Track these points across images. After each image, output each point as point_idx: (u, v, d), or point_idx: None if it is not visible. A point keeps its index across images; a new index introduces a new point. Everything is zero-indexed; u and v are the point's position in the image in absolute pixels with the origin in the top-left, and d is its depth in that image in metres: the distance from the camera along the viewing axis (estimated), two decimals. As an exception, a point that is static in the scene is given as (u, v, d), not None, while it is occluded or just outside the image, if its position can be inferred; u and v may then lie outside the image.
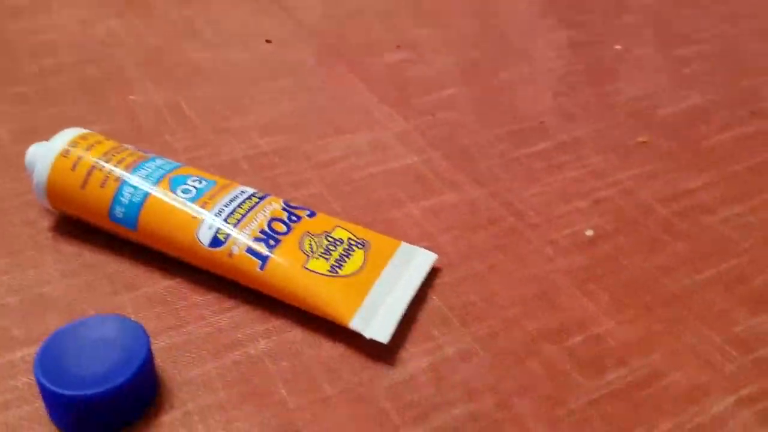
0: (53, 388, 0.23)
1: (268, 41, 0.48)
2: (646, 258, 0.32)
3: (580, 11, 0.54)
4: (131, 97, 0.41)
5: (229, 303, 0.29)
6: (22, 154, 0.36)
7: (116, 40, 0.47)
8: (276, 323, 0.28)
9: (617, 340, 0.28)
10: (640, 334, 0.28)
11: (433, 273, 0.31)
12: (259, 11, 0.52)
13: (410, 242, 0.31)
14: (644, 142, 0.39)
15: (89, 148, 0.30)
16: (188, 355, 0.27)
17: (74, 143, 0.30)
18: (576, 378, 0.27)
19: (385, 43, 0.48)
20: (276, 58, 0.46)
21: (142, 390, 0.24)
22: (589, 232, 0.33)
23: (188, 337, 0.27)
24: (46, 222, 0.32)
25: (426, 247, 0.32)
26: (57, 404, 0.23)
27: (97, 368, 0.23)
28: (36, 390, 0.25)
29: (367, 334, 0.27)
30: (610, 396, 0.26)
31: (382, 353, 0.27)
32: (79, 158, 0.30)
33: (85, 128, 0.32)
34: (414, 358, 0.27)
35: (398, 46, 0.48)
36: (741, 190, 0.36)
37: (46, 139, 0.31)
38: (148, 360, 0.24)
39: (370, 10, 0.52)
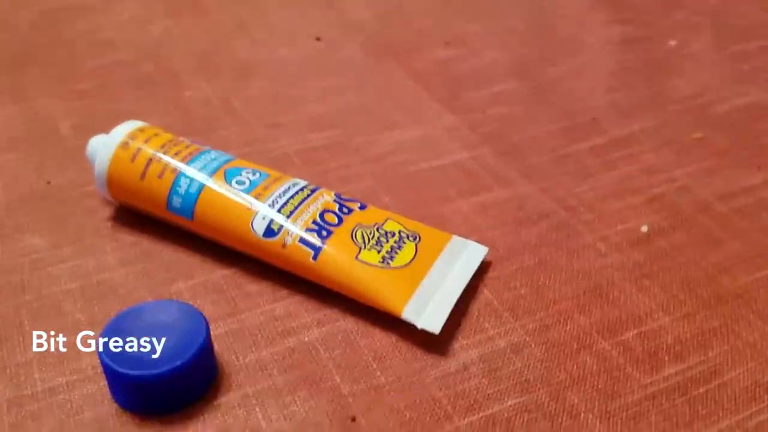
0: (116, 368, 0.23)
1: (317, 39, 0.48)
2: (704, 255, 0.31)
3: (632, 6, 0.53)
4: (186, 93, 0.42)
5: (282, 292, 0.29)
6: (83, 147, 0.37)
7: (170, 39, 0.48)
8: (328, 312, 0.29)
9: (673, 336, 0.28)
10: (698, 331, 0.28)
11: (484, 267, 0.31)
12: (308, 8, 0.52)
13: (460, 236, 0.31)
14: (701, 138, 0.39)
15: (147, 140, 0.31)
16: (244, 341, 0.27)
17: (133, 136, 0.31)
18: (631, 372, 0.26)
19: (433, 38, 0.48)
20: (325, 54, 0.47)
21: (201, 372, 0.25)
22: (645, 228, 0.32)
23: (244, 324, 0.28)
24: (106, 212, 0.33)
25: (476, 241, 0.31)
26: (119, 384, 0.24)
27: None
28: (99, 370, 0.26)
29: (419, 325, 0.27)
30: (666, 391, 0.26)
31: (434, 344, 0.27)
32: (138, 150, 0.31)
33: (142, 122, 0.33)
34: (465, 350, 0.27)
35: (447, 42, 0.48)
36: (802, 187, 0.35)
37: (106, 133, 0.32)
38: (207, 343, 0.25)
39: (418, 6, 0.53)
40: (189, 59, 0.46)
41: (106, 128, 0.32)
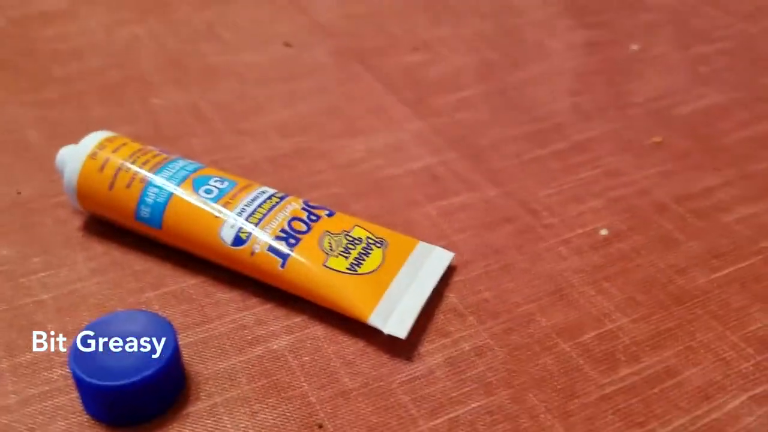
0: (86, 378, 0.24)
1: (287, 44, 0.49)
2: (661, 257, 0.32)
3: (597, 11, 0.54)
4: (154, 100, 0.42)
5: (252, 300, 0.30)
6: (52, 157, 0.37)
7: (138, 45, 0.48)
8: (297, 320, 0.29)
9: (630, 337, 0.29)
10: (654, 332, 0.29)
11: (450, 271, 0.31)
12: (277, 13, 0.53)
13: (428, 242, 0.32)
14: (659, 142, 0.40)
15: (116, 150, 0.31)
16: (213, 350, 0.28)
17: (102, 146, 0.31)
18: (589, 373, 0.27)
19: (401, 43, 0.49)
20: (293, 59, 0.47)
21: (171, 382, 0.25)
22: (604, 232, 0.33)
23: (213, 333, 0.28)
24: (76, 222, 0.33)
25: (443, 246, 0.32)
26: (91, 394, 0.24)
27: (128, 360, 0.24)
28: (70, 381, 0.26)
29: (386, 330, 0.28)
30: (623, 391, 0.27)
31: (400, 349, 0.28)
32: (107, 160, 0.31)
33: (110, 131, 0.33)
34: (431, 354, 0.28)
35: (415, 48, 0.48)
36: (759, 189, 0.36)
37: (75, 143, 0.32)
38: (176, 352, 0.25)
39: (386, 11, 0.53)
40: (157, 65, 0.46)
41: (75, 137, 0.33)
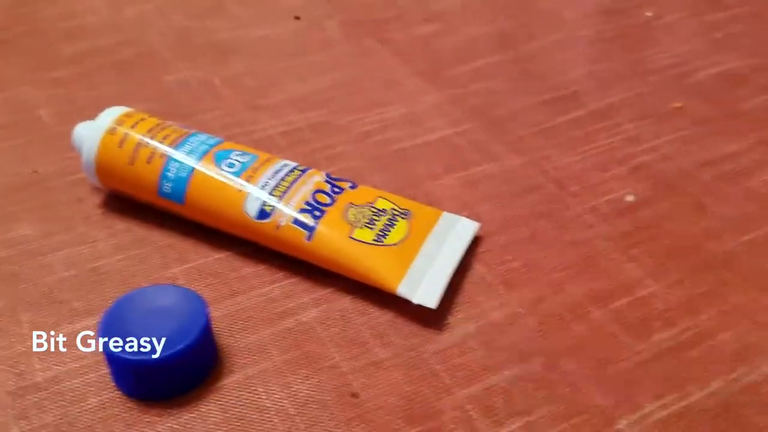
0: (119, 354, 0.23)
1: (297, 17, 0.48)
2: (689, 222, 0.32)
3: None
4: (166, 77, 0.42)
5: (278, 274, 0.30)
6: (66, 135, 0.37)
7: (146, 21, 0.47)
8: (324, 292, 0.29)
9: (663, 302, 0.28)
10: (687, 296, 0.29)
11: (475, 241, 0.31)
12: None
13: (451, 213, 0.32)
14: (679, 107, 0.39)
15: (134, 125, 0.31)
16: (242, 323, 0.28)
17: (120, 121, 0.31)
18: (624, 339, 0.27)
19: (412, 14, 0.48)
20: (304, 33, 0.46)
21: (203, 355, 0.25)
22: (630, 198, 0.33)
23: (241, 307, 0.28)
24: (95, 199, 0.33)
25: (466, 217, 0.32)
26: (122, 370, 0.24)
27: (159, 335, 0.24)
28: (99, 358, 0.26)
29: (415, 300, 0.27)
30: (658, 356, 0.26)
31: (430, 319, 0.28)
32: (126, 135, 0.30)
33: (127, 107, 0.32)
34: (461, 324, 0.28)
35: (426, 19, 0.48)
36: (780, 153, 0.36)
37: (90, 119, 0.31)
38: (208, 326, 0.25)
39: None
40: (167, 42, 0.45)
41: (88, 115, 0.32)
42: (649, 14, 0.48)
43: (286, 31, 0.47)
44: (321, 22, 0.48)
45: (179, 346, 0.24)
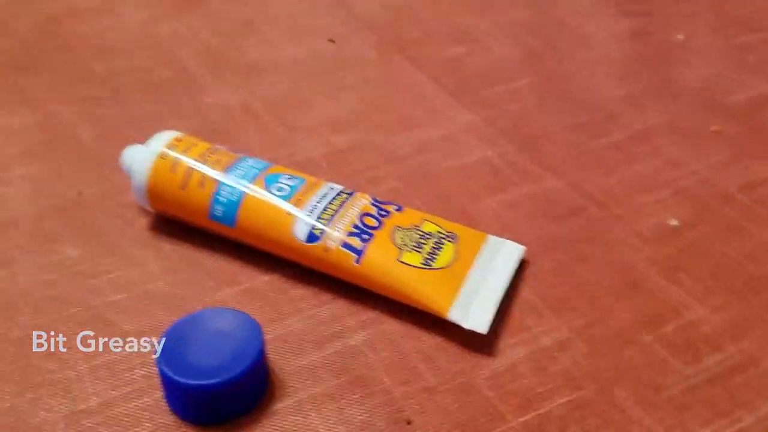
0: (176, 378, 0.24)
1: (331, 41, 0.48)
2: (732, 246, 0.32)
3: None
4: (203, 98, 0.42)
5: (326, 296, 0.30)
6: (106, 156, 0.37)
7: (179, 41, 0.48)
8: (371, 315, 0.29)
9: (711, 326, 0.28)
10: (733, 320, 0.29)
11: (521, 265, 0.31)
12: (314, 5, 0.52)
13: (494, 235, 0.32)
14: (719, 131, 0.39)
15: (186, 150, 0.31)
16: (292, 346, 0.28)
17: (171, 146, 0.31)
18: (673, 364, 0.27)
19: (439, 34, 0.49)
20: (336, 53, 0.47)
21: (258, 379, 0.25)
22: (674, 222, 0.33)
23: (290, 330, 0.28)
24: (142, 221, 0.33)
25: (509, 240, 0.32)
26: (179, 394, 0.24)
27: (216, 359, 0.24)
28: (153, 381, 0.26)
29: (466, 325, 0.28)
30: (708, 381, 0.26)
31: (479, 344, 0.28)
32: (178, 160, 0.31)
33: (177, 131, 0.33)
34: (511, 349, 0.28)
35: (456, 39, 0.48)
36: (820, 177, 0.36)
37: (129, 141, 0.32)
38: (263, 351, 0.25)
39: (420, 2, 0.53)
40: (199, 61, 0.46)
41: (127, 135, 0.33)
42: (680, 37, 0.49)
43: (317, 51, 0.47)
44: (351, 41, 0.48)
45: (236, 371, 0.24)
